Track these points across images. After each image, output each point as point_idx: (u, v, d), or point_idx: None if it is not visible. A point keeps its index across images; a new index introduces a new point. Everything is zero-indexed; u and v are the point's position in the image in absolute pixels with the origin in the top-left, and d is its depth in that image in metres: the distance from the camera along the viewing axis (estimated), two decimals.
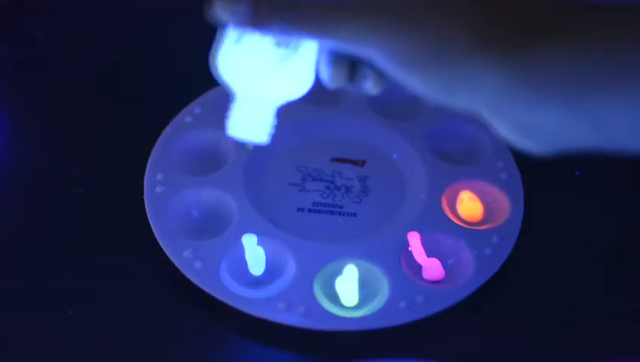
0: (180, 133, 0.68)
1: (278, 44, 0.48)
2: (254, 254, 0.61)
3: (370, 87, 0.49)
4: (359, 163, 0.69)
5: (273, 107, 0.51)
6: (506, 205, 0.65)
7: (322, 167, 0.68)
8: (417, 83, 0.44)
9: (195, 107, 0.70)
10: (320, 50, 0.48)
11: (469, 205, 0.65)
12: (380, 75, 0.48)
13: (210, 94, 0.70)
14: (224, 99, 0.51)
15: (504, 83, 0.42)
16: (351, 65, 0.48)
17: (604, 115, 0.42)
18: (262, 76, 0.48)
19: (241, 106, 0.51)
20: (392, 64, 0.44)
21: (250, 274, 0.61)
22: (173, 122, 0.69)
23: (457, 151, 0.68)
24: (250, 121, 0.51)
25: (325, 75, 0.49)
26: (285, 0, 0.45)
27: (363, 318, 0.59)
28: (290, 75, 0.48)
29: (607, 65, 0.41)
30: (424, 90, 0.44)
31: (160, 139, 0.68)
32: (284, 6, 0.45)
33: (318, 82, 0.49)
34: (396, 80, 0.45)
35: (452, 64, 0.43)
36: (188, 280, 0.60)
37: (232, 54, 0.48)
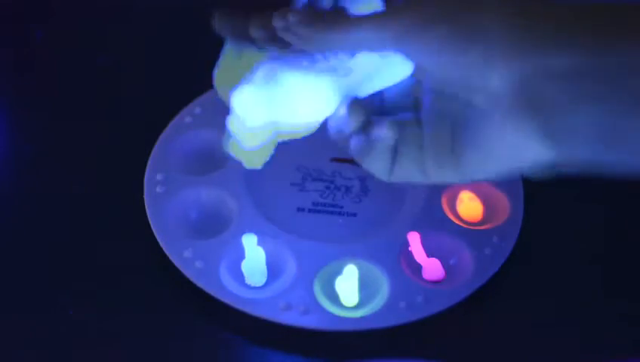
0: (180, 133, 0.68)
1: (300, 68, 0.47)
2: (254, 262, 0.61)
3: (385, 128, 0.48)
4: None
5: (274, 137, 0.50)
6: (506, 205, 0.65)
7: (322, 167, 0.68)
8: (436, 38, 0.43)
9: (195, 107, 0.70)
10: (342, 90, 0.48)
11: (469, 205, 0.65)
12: (396, 122, 0.48)
13: (210, 94, 0.70)
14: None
15: (513, 28, 0.42)
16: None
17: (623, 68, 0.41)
18: (269, 103, 0.47)
19: (241, 130, 0.49)
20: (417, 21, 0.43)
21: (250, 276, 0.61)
22: (173, 122, 0.69)
23: None
24: (249, 147, 0.49)
25: (343, 111, 0.48)
26: (334, 13, 0.46)
27: (363, 318, 0.59)
28: (297, 105, 0.48)
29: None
30: (438, 47, 0.43)
31: (160, 139, 0.68)
32: (337, 19, 0.45)
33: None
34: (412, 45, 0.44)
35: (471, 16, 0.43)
36: (188, 280, 0.60)
37: (234, 74, 0.48)
